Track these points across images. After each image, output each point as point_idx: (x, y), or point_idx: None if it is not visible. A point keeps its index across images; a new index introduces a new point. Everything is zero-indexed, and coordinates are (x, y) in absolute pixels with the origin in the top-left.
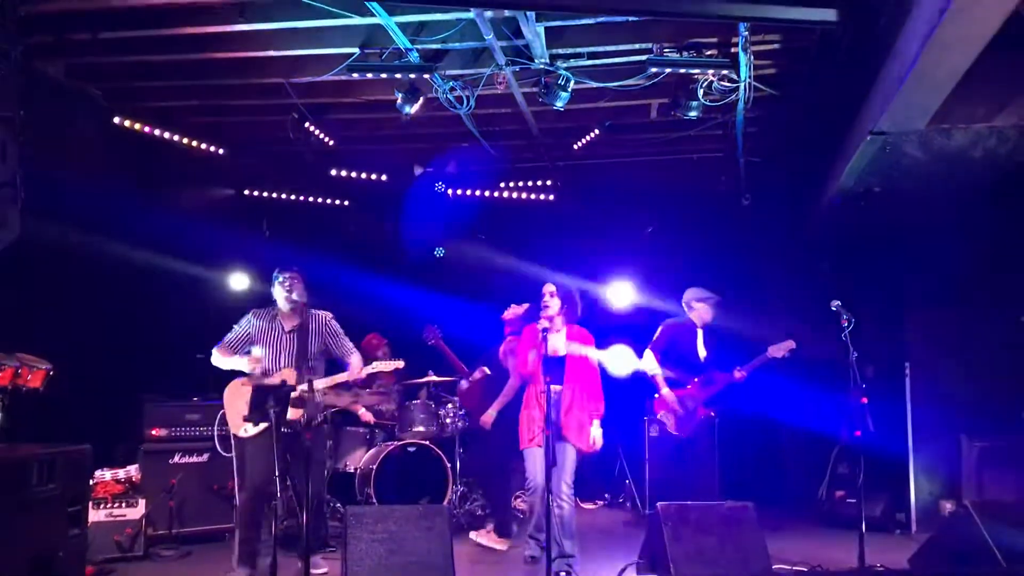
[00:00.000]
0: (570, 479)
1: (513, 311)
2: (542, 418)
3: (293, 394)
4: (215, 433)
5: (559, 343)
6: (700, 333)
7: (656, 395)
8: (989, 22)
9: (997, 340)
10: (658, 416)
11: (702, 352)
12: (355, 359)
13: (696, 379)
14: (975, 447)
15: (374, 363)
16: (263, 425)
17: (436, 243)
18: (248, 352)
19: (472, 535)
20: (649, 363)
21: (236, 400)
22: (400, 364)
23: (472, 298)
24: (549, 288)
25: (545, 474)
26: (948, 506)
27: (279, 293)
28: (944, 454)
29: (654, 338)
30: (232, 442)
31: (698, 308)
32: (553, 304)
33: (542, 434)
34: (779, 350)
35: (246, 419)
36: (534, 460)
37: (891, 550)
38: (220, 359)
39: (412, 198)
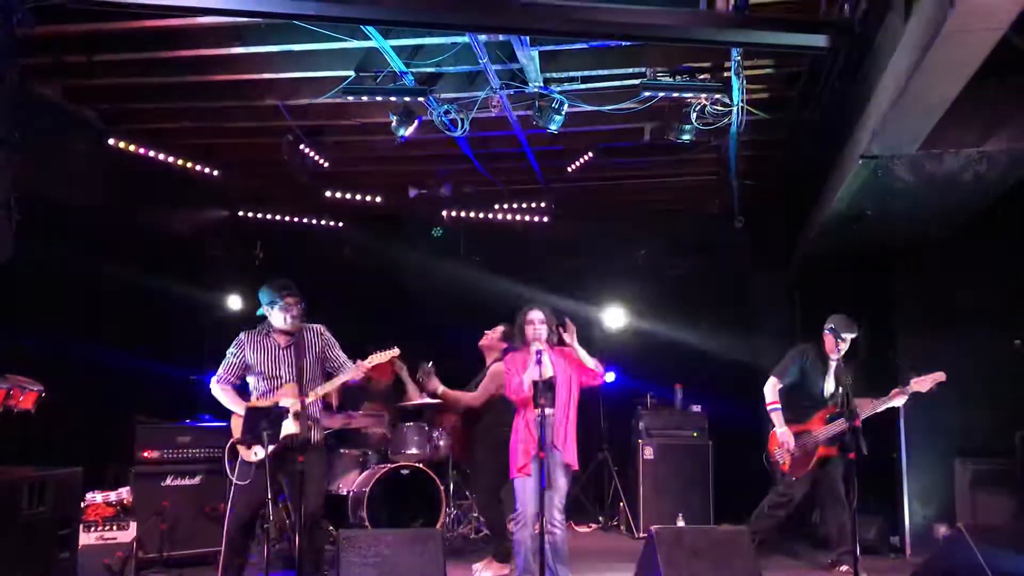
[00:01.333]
0: (562, 504)
1: (489, 337)
2: (534, 444)
3: (296, 408)
4: (225, 463)
5: (549, 365)
6: (832, 365)
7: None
8: (979, 48)
9: (990, 363)
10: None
11: (829, 386)
12: (349, 366)
13: (818, 414)
14: (969, 470)
15: (371, 356)
16: (272, 449)
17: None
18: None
19: (474, 568)
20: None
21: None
22: (396, 352)
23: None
24: (538, 315)
25: (539, 501)
26: (942, 529)
27: (278, 316)
28: (938, 477)
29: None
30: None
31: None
32: (543, 330)
33: (533, 462)
34: (925, 383)
35: (238, 442)
36: (525, 490)
37: (885, 573)
38: (222, 396)
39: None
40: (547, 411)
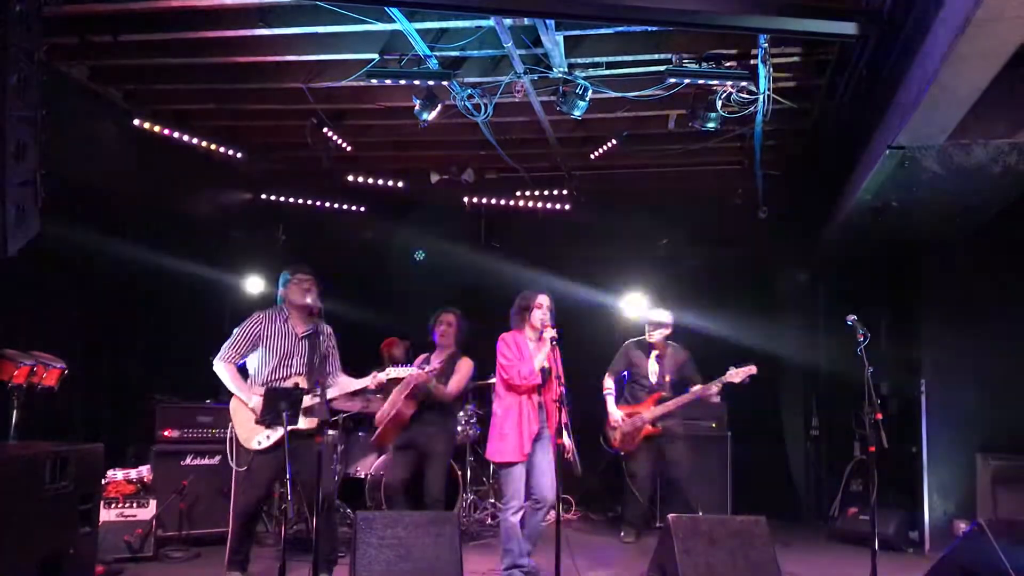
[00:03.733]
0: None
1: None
2: (534, 431)
3: (306, 401)
4: (227, 447)
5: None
6: (654, 354)
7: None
8: (1010, 37)
9: (1015, 359)
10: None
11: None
12: (342, 378)
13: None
14: (990, 465)
15: (388, 370)
16: (275, 438)
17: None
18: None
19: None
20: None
21: (244, 413)
22: (413, 371)
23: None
24: (546, 300)
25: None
26: (962, 525)
27: (295, 294)
28: (959, 473)
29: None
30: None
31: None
32: (548, 316)
33: (539, 447)
34: (738, 375)
35: (258, 421)
36: (522, 476)
37: (904, 568)
38: (226, 376)
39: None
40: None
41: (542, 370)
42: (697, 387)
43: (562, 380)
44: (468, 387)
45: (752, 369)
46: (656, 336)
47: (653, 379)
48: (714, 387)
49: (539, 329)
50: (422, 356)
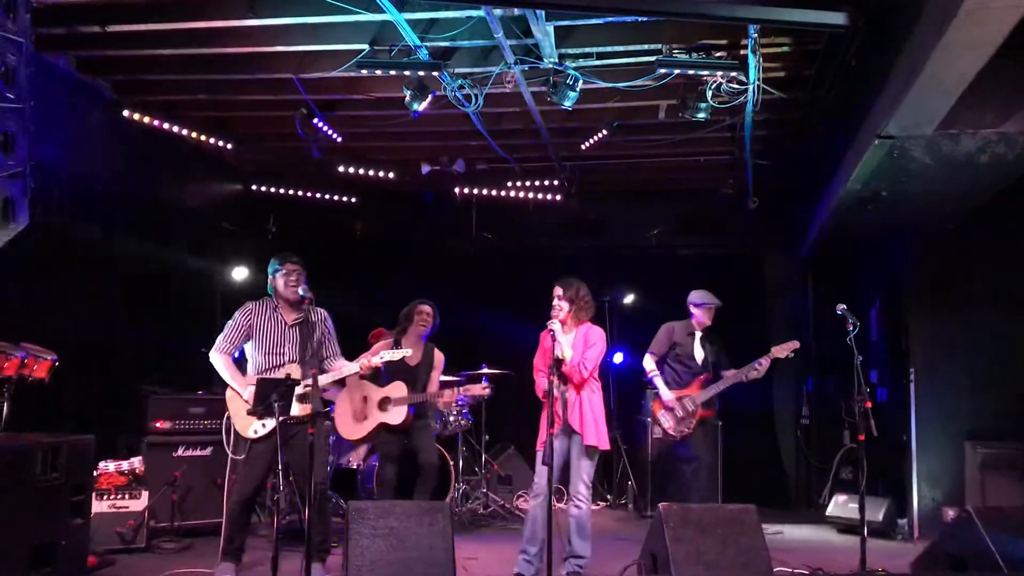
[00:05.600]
0: (588, 479)
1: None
2: (557, 422)
3: (298, 390)
4: (224, 436)
5: (567, 344)
6: (698, 335)
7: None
8: (998, 27)
9: (1003, 347)
10: (657, 416)
11: (699, 353)
12: (340, 362)
13: (697, 380)
14: (979, 453)
15: (382, 353)
16: (271, 426)
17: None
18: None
19: None
20: (647, 364)
21: (239, 402)
22: (408, 353)
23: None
24: (557, 291)
25: (547, 475)
26: (951, 512)
27: (282, 284)
28: (948, 460)
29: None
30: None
31: (696, 312)
32: (563, 305)
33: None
34: (783, 350)
35: (250, 412)
36: (539, 463)
37: (893, 555)
38: (221, 367)
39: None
40: (560, 388)
41: (555, 360)
42: (741, 369)
43: (568, 361)
44: None
45: (795, 344)
46: (705, 317)
47: (699, 360)
48: (764, 362)
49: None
50: (385, 340)
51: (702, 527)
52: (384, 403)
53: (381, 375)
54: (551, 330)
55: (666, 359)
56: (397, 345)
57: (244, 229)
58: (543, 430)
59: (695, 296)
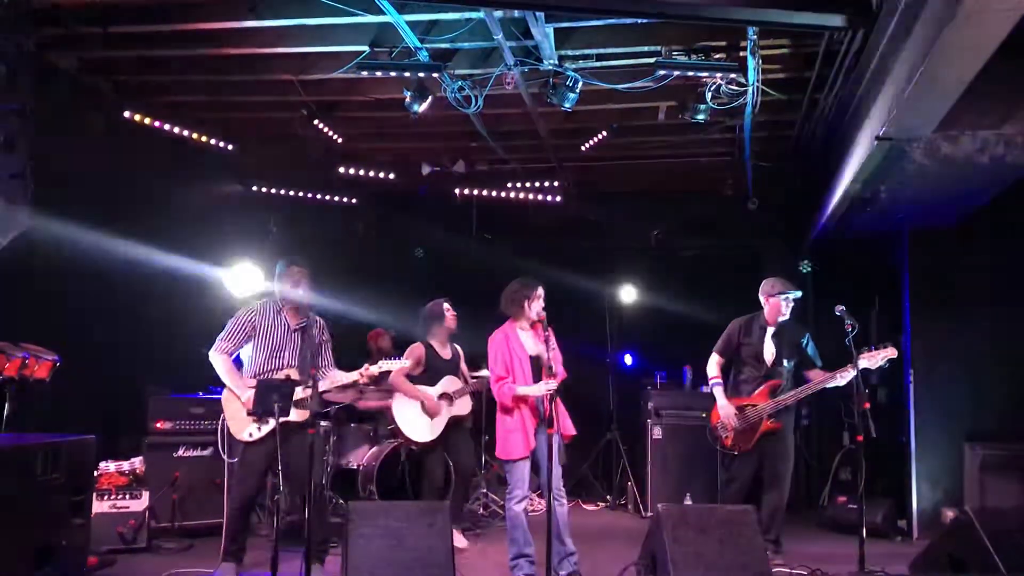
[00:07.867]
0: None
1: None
2: (536, 422)
3: (296, 395)
4: (217, 439)
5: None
6: (770, 331)
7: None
8: (997, 28)
9: (1002, 348)
10: (715, 426)
11: (769, 353)
12: (334, 372)
13: (765, 385)
14: (978, 454)
15: (380, 362)
16: (267, 429)
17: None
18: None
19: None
20: (710, 369)
21: (235, 404)
22: (407, 363)
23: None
24: (543, 292)
25: (547, 474)
26: (950, 513)
27: (286, 286)
28: (947, 461)
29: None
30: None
31: (770, 303)
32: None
33: (534, 438)
34: (874, 358)
35: (250, 413)
36: (527, 468)
37: (891, 556)
38: (221, 368)
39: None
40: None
41: (533, 359)
42: (827, 374)
43: (554, 369)
44: None
45: (892, 352)
46: (780, 309)
47: (769, 360)
48: (849, 372)
49: (533, 319)
50: (417, 350)
51: (701, 528)
52: (446, 398)
53: (426, 376)
54: (546, 328)
55: (740, 357)
56: (405, 343)
57: (244, 230)
58: (520, 435)
59: (766, 285)
